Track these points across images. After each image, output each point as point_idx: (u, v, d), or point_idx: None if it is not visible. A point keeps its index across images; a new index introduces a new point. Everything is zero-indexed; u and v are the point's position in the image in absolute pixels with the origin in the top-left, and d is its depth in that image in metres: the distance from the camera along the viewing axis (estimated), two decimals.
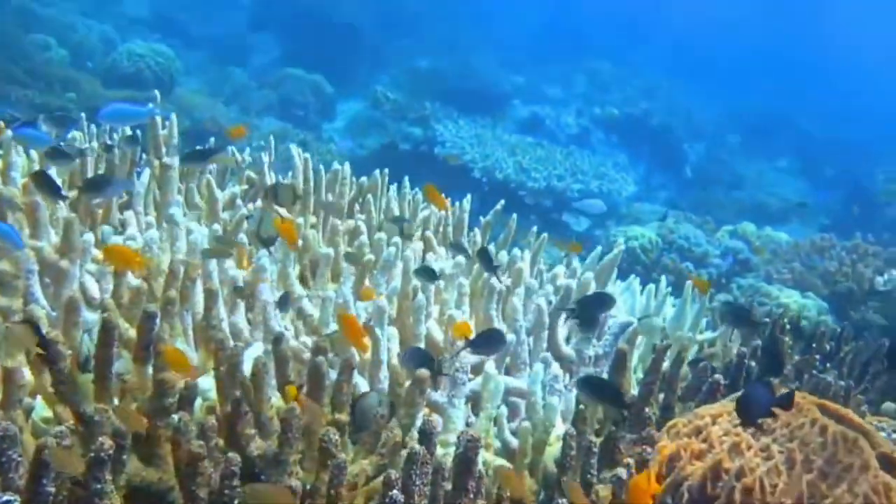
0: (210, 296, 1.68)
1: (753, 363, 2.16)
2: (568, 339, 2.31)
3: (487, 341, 1.84)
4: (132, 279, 1.74)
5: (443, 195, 2.44)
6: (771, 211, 9.41)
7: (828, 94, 13.57)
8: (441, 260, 2.47)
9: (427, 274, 2.00)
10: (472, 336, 1.88)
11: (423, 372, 1.70)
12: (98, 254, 1.88)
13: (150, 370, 1.53)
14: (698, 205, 8.92)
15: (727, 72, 13.62)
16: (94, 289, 1.80)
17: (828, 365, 2.35)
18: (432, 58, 11.26)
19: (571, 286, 2.23)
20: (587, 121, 10.34)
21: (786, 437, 1.58)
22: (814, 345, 2.40)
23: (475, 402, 1.96)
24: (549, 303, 2.23)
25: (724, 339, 2.65)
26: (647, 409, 1.90)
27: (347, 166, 2.52)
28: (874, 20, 20.65)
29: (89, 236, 1.84)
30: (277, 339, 1.62)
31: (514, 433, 1.93)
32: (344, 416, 1.63)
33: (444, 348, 2.06)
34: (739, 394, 1.72)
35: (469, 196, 2.83)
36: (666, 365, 2.01)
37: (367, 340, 1.84)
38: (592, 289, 2.35)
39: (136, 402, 1.52)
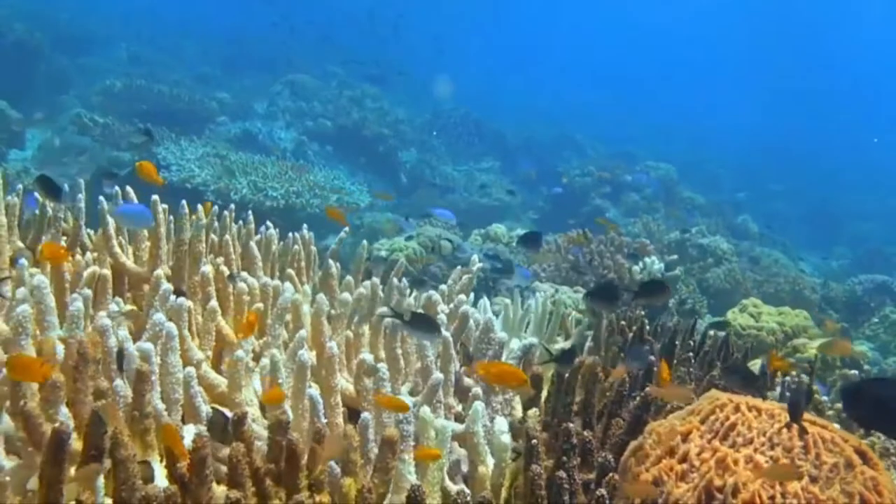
0: (142, 379, 1.38)
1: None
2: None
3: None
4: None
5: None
6: (486, 211, 9.83)
7: (517, 97, 14.54)
8: (305, 297, 2.28)
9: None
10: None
11: (392, 432, 1.53)
12: None
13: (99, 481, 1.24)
14: (416, 210, 9.13)
15: (426, 80, 14.10)
16: None
17: (693, 360, 2.45)
18: (124, 77, 10.53)
19: (468, 312, 2.13)
20: (300, 134, 10.22)
21: (766, 446, 1.60)
22: (676, 342, 2.49)
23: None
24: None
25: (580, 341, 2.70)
26: (586, 433, 1.86)
27: (213, 207, 2.24)
28: (546, 28, 22.46)
29: None
30: (240, 420, 1.37)
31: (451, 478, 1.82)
32: (325, 499, 1.42)
33: (357, 399, 1.89)
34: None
35: (306, 226, 2.64)
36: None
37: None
38: (474, 314, 2.27)
39: None
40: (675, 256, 5.26)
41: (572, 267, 4.53)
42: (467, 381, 2.13)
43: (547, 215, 10.09)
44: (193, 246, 2.08)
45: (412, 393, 2.00)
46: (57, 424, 1.15)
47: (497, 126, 12.46)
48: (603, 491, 1.63)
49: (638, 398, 1.91)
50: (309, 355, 1.70)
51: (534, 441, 1.73)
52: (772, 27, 24.55)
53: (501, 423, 1.88)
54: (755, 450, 1.59)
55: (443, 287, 2.48)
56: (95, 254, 2.11)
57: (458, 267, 2.62)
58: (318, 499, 1.40)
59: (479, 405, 1.80)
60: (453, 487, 1.79)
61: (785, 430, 1.60)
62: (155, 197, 2.07)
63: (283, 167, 7.46)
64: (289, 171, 7.41)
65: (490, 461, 1.81)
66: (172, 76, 11.45)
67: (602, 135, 13.89)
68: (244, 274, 2.09)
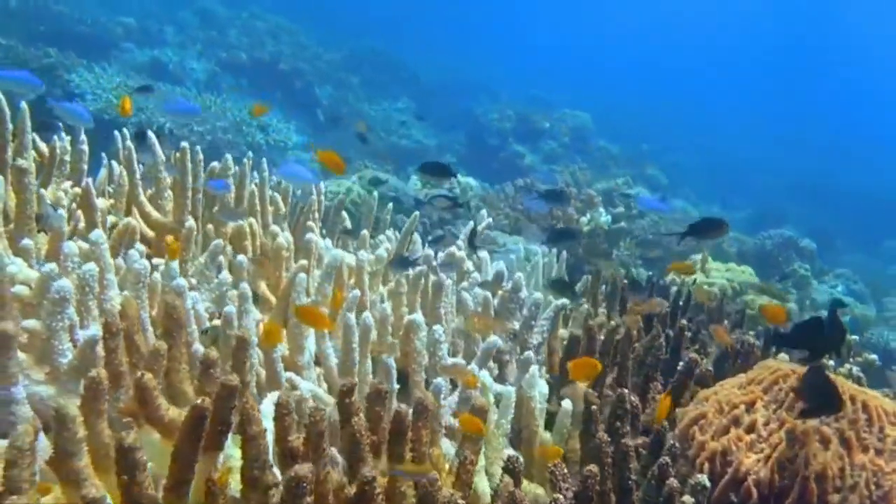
0: (242, 346, 1.31)
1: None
2: None
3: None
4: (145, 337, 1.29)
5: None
6: (404, 153, 9.72)
7: (436, 37, 14.35)
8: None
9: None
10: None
11: (483, 401, 1.50)
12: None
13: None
14: (334, 149, 8.95)
15: (339, 15, 13.73)
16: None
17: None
18: None
19: (503, 271, 2.10)
20: (213, 65, 9.84)
21: (832, 417, 1.64)
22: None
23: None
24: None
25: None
26: (633, 399, 1.87)
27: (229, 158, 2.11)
28: None
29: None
30: (350, 390, 1.31)
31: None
32: (427, 469, 1.38)
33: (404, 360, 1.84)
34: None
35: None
36: None
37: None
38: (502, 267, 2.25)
39: None
40: (622, 208, 5.34)
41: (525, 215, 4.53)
42: (501, 343, 2.10)
43: (464, 159, 10.07)
44: (221, 197, 1.96)
45: (450, 354, 1.97)
46: (199, 401, 1.07)
47: (414, 67, 12.28)
48: (667, 458, 1.65)
49: (682, 363, 1.93)
50: (371, 321, 1.64)
51: (593, 407, 1.73)
52: None
53: (544, 387, 1.87)
54: (821, 421, 1.63)
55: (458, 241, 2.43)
56: (111, 201, 1.97)
57: (471, 223, 2.58)
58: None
59: (535, 369, 1.78)
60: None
61: (849, 403, 1.64)
62: (184, 144, 1.94)
63: (207, 101, 7.18)
64: (212, 106, 7.14)
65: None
66: None
67: (517, 84, 13.86)
68: (274, 228, 1.99)
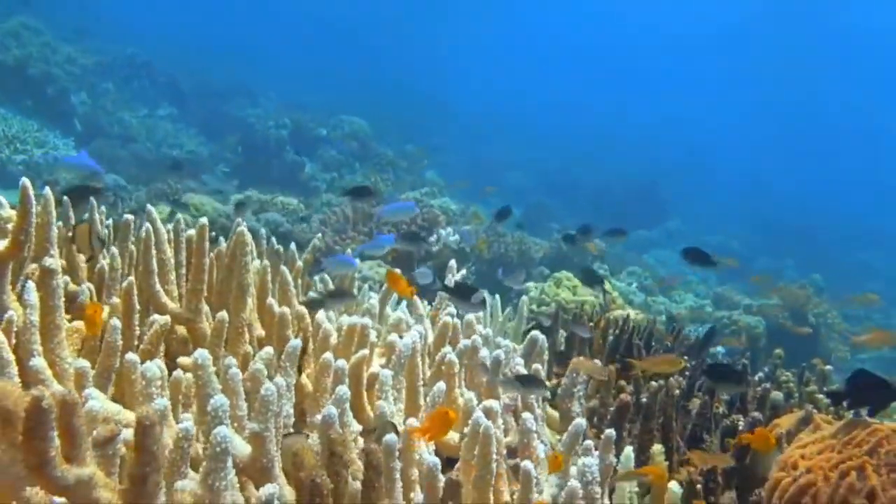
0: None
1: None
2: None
3: None
4: None
5: None
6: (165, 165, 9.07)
7: (193, 39, 13.57)
8: None
9: None
10: None
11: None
12: None
13: None
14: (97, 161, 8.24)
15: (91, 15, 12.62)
16: None
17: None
18: None
19: (536, 337, 1.95)
20: None
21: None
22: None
23: None
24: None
25: None
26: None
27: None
28: None
29: None
30: None
31: None
32: None
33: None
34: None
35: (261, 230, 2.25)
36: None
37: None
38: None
39: None
40: (469, 227, 5.28)
41: None
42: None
43: (239, 168, 9.61)
44: (239, 276, 1.65)
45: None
46: None
47: (172, 70, 11.54)
48: None
49: (745, 421, 1.88)
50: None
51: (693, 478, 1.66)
52: None
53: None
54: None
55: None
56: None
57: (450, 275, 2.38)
58: None
59: (629, 450, 1.67)
60: None
61: None
62: (203, 221, 1.59)
63: None
64: None
65: None
66: None
67: (279, 87, 13.40)
68: (309, 309, 1.71)
